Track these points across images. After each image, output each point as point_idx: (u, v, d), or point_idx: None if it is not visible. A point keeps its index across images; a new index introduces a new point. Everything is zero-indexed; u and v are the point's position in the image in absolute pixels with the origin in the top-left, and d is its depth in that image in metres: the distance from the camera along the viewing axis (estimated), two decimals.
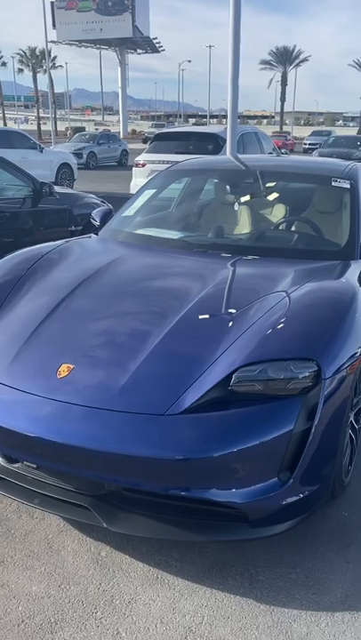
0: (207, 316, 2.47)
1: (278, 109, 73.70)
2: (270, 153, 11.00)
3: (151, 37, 50.91)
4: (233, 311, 2.46)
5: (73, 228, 6.31)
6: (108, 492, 2.14)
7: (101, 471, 2.05)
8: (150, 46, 52.27)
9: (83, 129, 44.91)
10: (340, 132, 41.56)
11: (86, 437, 2.04)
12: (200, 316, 2.47)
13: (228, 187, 3.89)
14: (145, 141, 43.23)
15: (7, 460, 2.31)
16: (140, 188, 4.05)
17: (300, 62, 60.77)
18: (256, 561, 2.26)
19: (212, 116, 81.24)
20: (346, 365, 2.23)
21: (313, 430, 2.07)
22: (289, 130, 53.29)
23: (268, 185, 3.79)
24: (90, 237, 3.65)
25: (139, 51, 54.13)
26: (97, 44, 52.35)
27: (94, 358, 2.32)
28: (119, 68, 52.70)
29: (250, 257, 3.11)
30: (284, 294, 2.50)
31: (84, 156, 22.36)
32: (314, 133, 36.76)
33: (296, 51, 60.25)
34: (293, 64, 60.38)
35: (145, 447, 1.99)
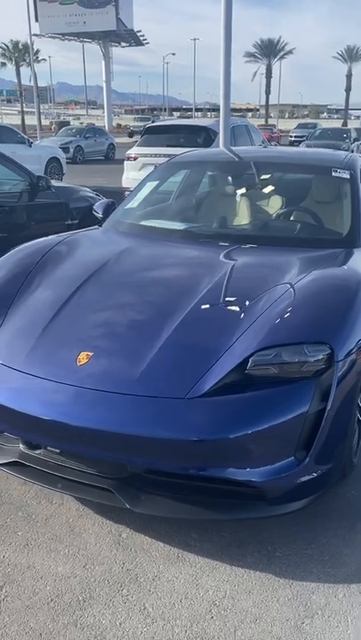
0: (218, 305, 2.54)
1: (263, 102, 73.82)
2: (260, 145, 11.07)
3: (135, 30, 50.58)
4: (244, 299, 2.53)
5: (69, 221, 6.33)
6: (130, 474, 2.20)
7: (125, 453, 2.12)
8: (134, 39, 51.93)
9: (67, 123, 44.64)
10: (325, 124, 41.73)
11: (110, 421, 2.11)
12: (211, 305, 2.54)
13: (230, 178, 3.96)
14: (131, 135, 43.07)
15: (29, 446, 2.37)
16: (142, 180, 4.10)
17: (284, 54, 60.83)
18: (272, 539, 2.34)
19: (196, 110, 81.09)
20: (356, 349, 2.32)
21: (327, 411, 2.15)
22: (274, 123, 53.36)
23: (269, 176, 3.86)
24: (95, 229, 3.70)
25: (123, 44, 53.75)
26: (80, 37, 51.87)
27: (112, 346, 2.39)
28: (103, 62, 52.30)
29: (255, 246, 3.18)
30: (293, 282, 2.58)
31: (71, 151, 22.25)
32: (300, 126, 36.86)
33: (281, 43, 60.30)
34: (278, 56, 60.42)
35: (167, 429, 2.06)
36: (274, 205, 3.61)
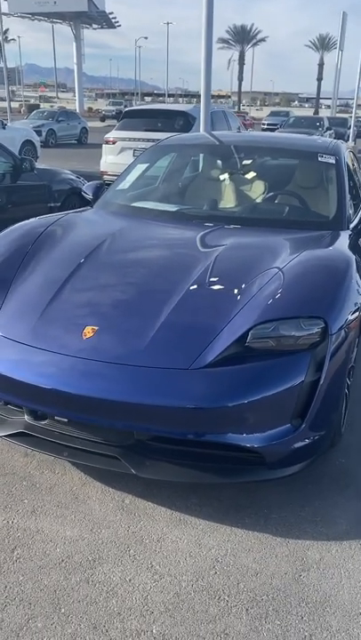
0: (215, 284, 2.65)
1: (235, 89, 73.72)
2: (238, 130, 11.17)
3: (107, 12, 49.80)
4: (239, 278, 2.64)
5: (52, 204, 6.35)
6: (135, 442, 2.31)
7: (132, 421, 2.22)
8: (106, 21, 51.14)
9: (37, 106, 43.80)
10: (297, 112, 41.94)
11: (117, 391, 2.20)
12: (208, 284, 2.65)
13: (220, 162, 4.06)
14: (103, 119, 42.65)
15: (34, 417, 2.45)
16: (132, 162, 4.16)
17: (257, 41, 60.85)
18: (268, 502, 2.48)
19: (168, 95, 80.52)
20: (346, 323, 2.46)
21: (321, 381, 2.29)
22: (246, 110, 53.47)
23: (258, 160, 3.97)
24: (87, 210, 3.75)
25: (94, 26, 52.85)
26: (51, 17, 50.78)
27: (115, 322, 2.47)
28: (74, 44, 51.36)
29: (246, 228, 3.29)
30: (287, 262, 2.70)
31: (43, 134, 21.91)
32: (272, 114, 37.02)
33: (254, 30, 60.26)
34: (251, 43, 60.43)
35: (173, 398, 2.17)
36: (262, 189, 3.72)
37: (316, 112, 57.19)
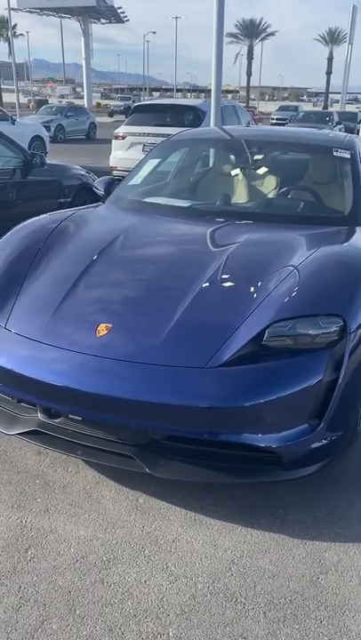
0: (230, 282, 2.61)
1: (243, 84, 73.35)
2: (247, 125, 11.09)
3: (116, 7, 49.61)
4: (255, 275, 2.60)
5: (62, 199, 6.32)
6: (149, 441, 2.28)
7: (147, 420, 2.19)
8: (115, 16, 50.94)
9: (46, 101, 43.78)
10: (305, 106, 41.69)
11: (132, 390, 2.17)
12: (223, 281, 2.61)
13: (233, 156, 4.00)
14: (111, 115, 42.59)
15: (48, 415, 2.42)
16: (143, 157, 4.12)
17: (266, 36, 60.45)
18: (284, 503, 2.45)
19: (176, 90, 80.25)
20: None
21: (340, 380, 2.24)
22: (255, 105, 53.18)
23: (271, 155, 3.92)
24: (99, 206, 3.72)
25: (102, 20, 52.65)
26: (59, 12, 50.65)
27: (129, 320, 2.44)
28: (82, 39, 51.22)
29: (260, 223, 3.25)
30: (303, 259, 2.65)
31: (52, 129, 21.89)
32: (281, 108, 36.74)
33: (263, 24, 59.87)
34: (260, 37, 60.04)
35: (189, 397, 2.14)
36: (276, 184, 3.67)
37: (326, 107, 56.78)
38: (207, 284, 2.56)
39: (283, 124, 26.62)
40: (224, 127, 6.21)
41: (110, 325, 2.38)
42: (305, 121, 21.72)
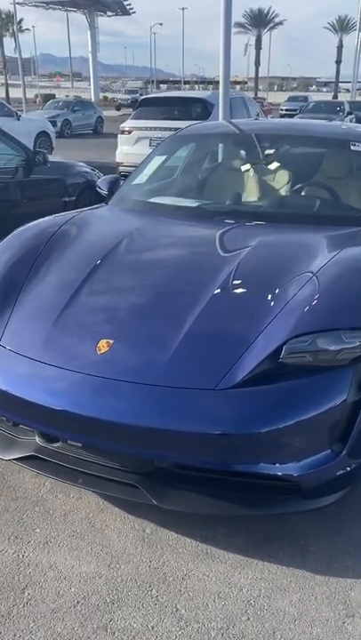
0: (243, 289, 2.41)
1: (251, 74, 72.59)
2: (257, 117, 10.82)
3: None
4: (270, 283, 2.39)
5: (67, 198, 6.12)
6: (156, 469, 2.08)
7: (152, 448, 2.00)
8: (121, 8, 50.48)
9: (53, 96, 43.51)
10: (315, 97, 41.11)
11: (135, 414, 1.98)
12: (236, 289, 2.40)
13: (243, 152, 3.78)
14: (118, 108, 42.25)
15: (46, 439, 2.24)
16: (149, 154, 3.91)
17: (275, 25, 59.70)
18: (302, 532, 2.25)
19: (184, 82, 79.55)
20: None
21: None
22: (263, 95, 52.53)
23: (284, 150, 3.70)
24: (102, 207, 3.52)
25: (109, 13, 52.19)
26: (65, 5, 50.30)
27: (133, 333, 2.24)
28: (89, 32, 50.84)
29: (274, 224, 3.03)
30: (321, 265, 2.43)
31: (59, 124, 21.70)
32: (290, 99, 36.28)
33: (271, 13, 59.09)
34: (268, 27, 59.29)
35: (198, 423, 1.94)
36: (290, 181, 3.44)
37: (336, 96, 56.02)
38: (218, 292, 2.36)
39: (293, 115, 26.23)
40: (234, 121, 5.97)
41: (112, 341, 2.18)
42: (315, 111, 21.30)
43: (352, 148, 3.42)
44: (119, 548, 2.17)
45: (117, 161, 9.53)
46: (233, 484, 2.06)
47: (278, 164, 3.57)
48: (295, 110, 29.08)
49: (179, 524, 2.26)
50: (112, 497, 2.36)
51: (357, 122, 18.39)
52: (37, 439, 2.26)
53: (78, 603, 1.93)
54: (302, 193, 3.38)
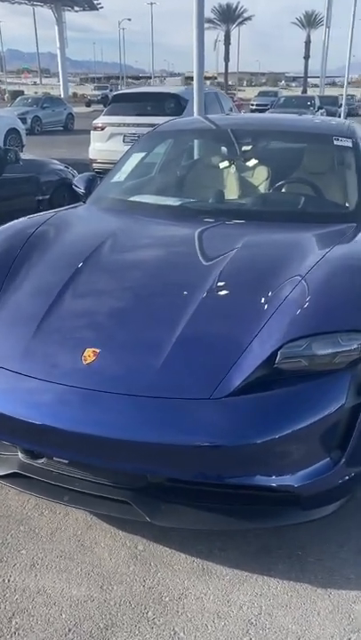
0: (233, 292, 2.31)
1: (220, 70, 72.50)
2: (230, 111, 10.75)
3: None
4: (261, 284, 2.30)
5: (40, 197, 5.96)
6: (148, 483, 1.97)
7: (144, 464, 1.89)
8: (88, 3, 49.77)
9: (21, 92, 42.75)
10: (285, 92, 41.29)
11: (126, 428, 1.87)
12: (225, 293, 2.31)
13: (225, 149, 3.67)
14: (88, 105, 41.79)
15: (29, 455, 2.11)
16: (126, 151, 3.78)
17: (243, 20, 59.73)
18: (301, 542, 2.17)
19: (154, 77, 79.00)
20: None
21: None
22: (233, 91, 52.52)
23: (267, 146, 3.61)
24: (80, 206, 3.38)
25: (76, 8, 51.40)
26: (31, 0, 49.46)
27: (120, 341, 2.13)
28: (56, 27, 50.09)
29: (258, 222, 2.95)
30: (313, 264, 2.35)
31: (29, 121, 21.31)
32: (261, 94, 36.42)
33: (239, 8, 59.09)
34: (237, 22, 59.29)
35: (193, 435, 1.84)
36: (273, 179, 3.35)
37: (305, 91, 56.33)
38: (207, 296, 2.26)
39: (264, 110, 26.27)
40: (214, 116, 5.87)
41: (98, 350, 2.06)
42: (286, 106, 21.40)
43: (335, 142, 3.35)
44: (111, 567, 2.06)
45: (91, 158, 9.35)
46: (229, 497, 1.97)
47: (261, 161, 3.48)
48: (266, 105, 29.18)
49: (172, 539, 2.16)
50: (100, 513, 2.25)
51: (328, 116, 18.45)
52: (20, 455, 2.13)
53: (70, 630, 1.82)
54: (288, 190, 3.29)
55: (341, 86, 25.28)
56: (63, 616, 1.87)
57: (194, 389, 1.92)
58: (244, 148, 3.64)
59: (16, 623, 1.84)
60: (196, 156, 3.82)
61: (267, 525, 2.01)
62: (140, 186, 3.55)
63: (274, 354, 1.97)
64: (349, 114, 25.97)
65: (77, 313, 2.29)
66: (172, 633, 1.81)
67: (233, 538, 2.17)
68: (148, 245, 2.79)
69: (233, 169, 3.45)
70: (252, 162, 3.48)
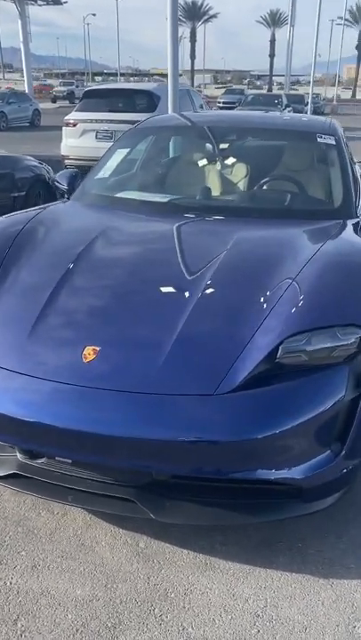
0: (230, 288, 2.32)
1: (186, 67, 72.45)
2: (200, 108, 10.77)
3: None
4: (257, 280, 2.32)
5: (16, 193, 5.86)
6: (152, 481, 1.97)
7: (151, 461, 1.88)
8: None
9: None
10: (251, 90, 41.59)
11: (129, 425, 1.86)
12: (223, 288, 2.31)
13: (211, 145, 3.67)
14: (54, 100, 41.21)
15: (29, 456, 2.08)
16: (110, 147, 3.75)
17: (209, 18, 59.85)
18: (301, 534, 2.20)
19: (120, 74, 78.46)
20: None
21: None
22: (199, 89, 52.57)
23: (252, 143, 3.63)
24: (64, 203, 3.34)
25: (40, 2, 50.42)
26: None
27: (120, 338, 2.11)
28: (19, 21, 49.22)
29: (247, 219, 2.97)
30: (308, 259, 2.38)
31: None
32: (228, 92, 36.59)
33: (205, 6, 59.19)
34: (202, 20, 59.38)
35: (199, 431, 1.84)
36: (260, 175, 3.37)
37: (270, 89, 56.84)
38: (205, 292, 2.26)
39: (231, 108, 26.39)
40: (200, 113, 5.88)
41: (98, 348, 2.04)
42: (254, 104, 21.56)
43: (318, 140, 3.40)
44: (114, 565, 2.04)
45: (63, 154, 9.24)
46: (233, 492, 1.98)
47: (248, 158, 3.50)
48: (233, 103, 29.31)
49: (173, 535, 2.16)
50: (99, 511, 2.23)
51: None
52: (19, 456, 2.10)
53: (77, 630, 1.80)
54: (275, 187, 3.32)
55: (306, 84, 25.63)
56: (69, 616, 1.85)
57: (197, 386, 1.92)
58: (230, 145, 3.65)
59: (22, 626, 1.81)
60: (183, 154, 3.80)
61: (270, 519, 2.03)
62: (126, 182, 3.53)
63: (275, 349, 1.99)
64: (315, 112, 26.37)
65: (74, 311, 2.26)
66: (181, 629, 1.81)
67: (233, 532, 2.18)
68: (140, 242, 2.78)
69: (220, 166, 3.46)
70: (239, 159, 3.49)
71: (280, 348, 1.99)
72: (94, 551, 2.10)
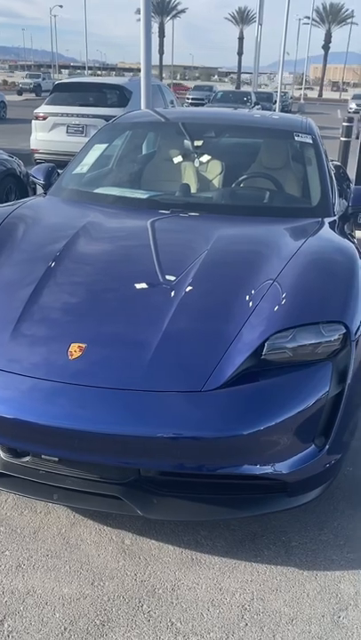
0: (215, 286, 2.33)
1: (154, 63, 72.13)
2: (171, 104, 10.76)
3: None
4: (242, 278, 2.34)
5: None
6: (138, 477, 1.97)
7: (138, 458, 1.88)
8: None
9: None
10: (220, 87, 41.64)
11: (117, 423, 1.85)
12: (207, 285, 2.32)
13: (189, 142, 3.67)
14: (20, 93, 40.51)
15: (12, 454, 2.05)
16: (87, 142, 3.71)
17: (177, 13, 59.68)
18: (283, 527, 2.23)
19: (88, 68, 77.65)
20: None
21: (345, 393, 2.04)
22: (168, 84, 52.46)
23: (230, 140, 3.64)
24: (42, 198, 3.30)
25: None
26: None
27: (106, 335, 2.10)
28: None
29: (227, 216, 2.98)
30: (290, 257, 2.41)
31: None
32: (196, 88, 36.56)
33: (173, 1, 59.01)
34: (170, 15, 59.19)
35: (187, 427, 1.85)
36: (239, 173, 3.39)
37: (238, 86, 57.12)
38: (190, 289, 2.27)
39: (199, 104, 26.42)
40: (177, 109, 5.85)
41: (84, 345, 2.03)
42: (223, 101, 21.62)
43: (296, 138, 3.43)
44: (100, 563, 2.04)
45: (32, 148, 9.09)
46: (220, 488, 2.00)
47: (226, 156, 3.52)
48: (202, 99, 29.38)
49: (159, 531, 2.17)
50: (83, 509, 2.22)
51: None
52: (2, 454, 2.07)
53: (66, 629, 1.79)
54: (254, 185, 3.34)
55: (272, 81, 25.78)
56: (57, 615, 1.84)
57: (185, 382, 1.93)
58: (210, 142, 3.65)
59: (9, 626, 1.79)
60: (162, 150, 3.79)
61: (256, 513, 2.05)
62: (105, 178, 3.50)
63: (261, 345, 2.01)
64: (283, 110, 26.61)
65: (58, 308, 2.24)
66: (170, 624, 1.82)
67: (218, 527, 2.20)
68: (123, 239, 2.77)
69: (200, 163, 3.46)
70: (218, 156, 3.50)
71: (265, 344, 2.01)
72: (80, 549, 2.09)
